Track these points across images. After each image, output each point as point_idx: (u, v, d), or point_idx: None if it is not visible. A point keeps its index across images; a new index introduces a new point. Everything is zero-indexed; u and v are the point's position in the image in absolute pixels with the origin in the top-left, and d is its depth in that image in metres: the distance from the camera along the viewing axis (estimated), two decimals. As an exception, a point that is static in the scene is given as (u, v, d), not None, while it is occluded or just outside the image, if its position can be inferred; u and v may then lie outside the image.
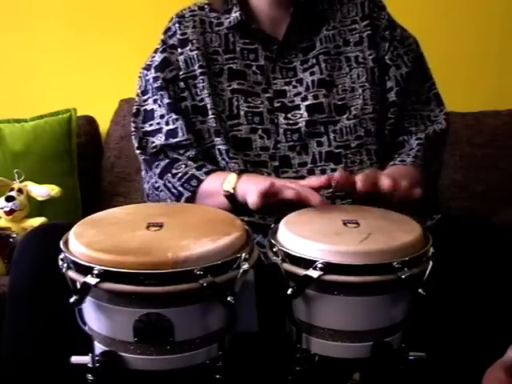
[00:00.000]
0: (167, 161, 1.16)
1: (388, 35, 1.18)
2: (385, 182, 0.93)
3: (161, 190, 1.16)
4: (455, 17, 1.98)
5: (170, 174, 1.14)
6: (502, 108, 1.90)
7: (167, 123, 1.16)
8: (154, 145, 1.18)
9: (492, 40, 1.99)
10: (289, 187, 0.94)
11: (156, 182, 1.17)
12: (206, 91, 1.15)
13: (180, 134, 1.15)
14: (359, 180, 0.92)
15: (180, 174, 1.13)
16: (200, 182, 1.10)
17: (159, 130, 1.17)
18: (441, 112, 1.21)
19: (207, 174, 1.11)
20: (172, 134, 1.15)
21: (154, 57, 1.21)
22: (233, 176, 1.05)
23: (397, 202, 0.96)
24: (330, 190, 1.08)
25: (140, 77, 1.22)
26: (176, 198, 1.13)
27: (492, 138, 1.85)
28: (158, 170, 1.17)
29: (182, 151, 1.15)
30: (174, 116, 1.15)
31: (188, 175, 1.12)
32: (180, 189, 1.12)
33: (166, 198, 1.15)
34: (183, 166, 1.14)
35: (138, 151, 1.20)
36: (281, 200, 0.94)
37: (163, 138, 1.16)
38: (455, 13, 1.98)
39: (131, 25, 2.01)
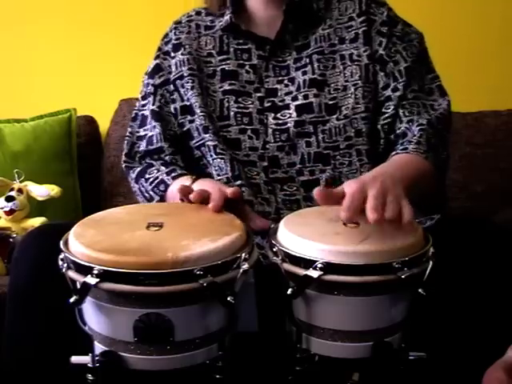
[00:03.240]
0: (142, 166, 1.20)
1: (386, 31, 1.16)
2: (370, 215, 0.81)
3: (137, 195, 1.20)
4: (455, 16, 1.98)
5: (143, 179, 1.18)
6: (502, 108, 1.90)
7: (151, 129, 1.20)
8: (140, 149, 1.22)
9: (492, 40, 1.99)
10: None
11: (133, 187, 1.21)
12: (194, 91, 1.16)
13: (155, 140, 1.18)
14: (344, 208, 0.83)
15: (151, 179, 1.16)
16: (167, 186, 1.12)
17: (145, 136, 1.21)
18: (444, 100, 1.17)
19: (174, 178, 1.12)
20: (150, 140, 1.19)
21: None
22: (188, 180, 1.07)
23: None
24: (324, 177, 1.10)
25: (143, 81, 1.24)
26: (148, 202, 1.16)
27: (492, 137, 1.85)
28: (134, 175, 1.21)
29: (162, 155, 1.19)
30: (154, 123, 1.19)
31: (158, 180, 1.14)
32: (151, 193, 1.15)
33: (141, 202, 1.19)
34: (155, 171, 1.17)
35: (124, 157, 1.24)
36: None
37: (144, 144, 1.21)
38: (455, 12, 1.98)
39: (131, 25, 2.02)
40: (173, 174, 1.13)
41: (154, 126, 1.19)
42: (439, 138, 1.14)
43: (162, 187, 1.13)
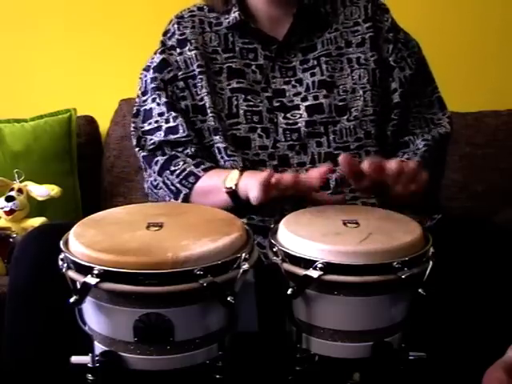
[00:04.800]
0: (166, 157, 1.16)
1: (392, 37, 1.18)
2: (392, 163, 0.93)
3: (160, 188, 1.16)
4: (455, 17, 1.98)
5: (168, 171, 1.14)
6: (502, 108, 1.90)
7: (167, 121, 1.16)
8: (152, 141, 1.18)
9: (492, 40, 1.99)
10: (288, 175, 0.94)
11: (155, 180, 1.17)
12: (204, 90, 1.15)
13: (181, 130, 1.15)
14: (366, 162, 0.93)
15: (178, 171, 1.13)
16: (198, 178, 1.10)
17: (158, 128, 1.17)
18: (444, 115, 1.22)
19: (205, 170, 1.10)
20: (172, 130, 1.15)
21: (153, 58, 1.21)
22: (235, 172, 1.03)
23: (402, 190, 0.96)
24: (334, 177, 1.10)
25: (140, 78, 1.22)
26: (174, 195, 1.12)
27: (492, 137, 1.86)
28: (157, 168, 1.16)
29: (180, 149, 1.15)
30: (174, 114, 1.15)
31: (186, 172, 1.12)
32: (178, 186, 1.12)
33: (165, 195, 1.15)
34: (181, 162, 1.14)
35: (136, 149, 1.20)
36: (282, 192, 0.93)
37: (162, 134, 1.16)
38: (455, 12, 1.98)
39: (131, 25, 2.02)
40: (202, 166, 1.11)
41: (175, 117, 1.15)
42: (440, 154, 1.20)
43: (191, 179, 1.10)
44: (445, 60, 1.81)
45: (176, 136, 1.15)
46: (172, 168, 1.14)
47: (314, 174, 0.95)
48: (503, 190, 1.81)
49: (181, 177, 1.12)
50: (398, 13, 1.23)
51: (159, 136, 1.16)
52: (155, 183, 1.17)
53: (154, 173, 1.17)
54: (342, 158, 0.95)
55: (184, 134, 1.14)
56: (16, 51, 2.05)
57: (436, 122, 1.21)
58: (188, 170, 1.12)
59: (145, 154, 1.19)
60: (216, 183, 1.05)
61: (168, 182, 1.14)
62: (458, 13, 1.98)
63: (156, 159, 1.17)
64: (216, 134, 1.13)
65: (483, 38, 1.98)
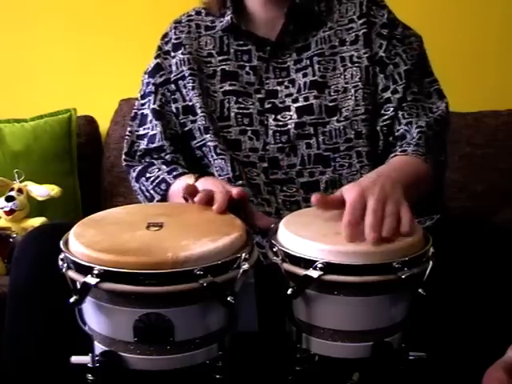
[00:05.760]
0: (143, 165, 1.20)
1: (386, 33, 1.17)
2: (368, 235, 0.80)
3: (137, 194, 1.21)
4: (455, 17, 1.98)
5: (144, 178, 1.18)
6: (502, 108, 1.90)
7: (152, 128, 1.20)
8: (139, 148, 1.22)
9: (492, 40, 1.99)
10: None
11: (133, 186, 1.22)
12: (195, 91, 1.16)
13: (157, 139, 1.18)
14: (345, 224, 0.81)
15: (152, 178, 1.16)
16: (168, 185, 1.12)
17: (146, 135, 1.21)
18: (442, 103, 1.18)
19: (176, 177, 1.13)
20: (152, 139, 1.19)
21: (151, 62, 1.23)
22: (191, 178, 1.07)
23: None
24: (324, 179, 1.10)
25: (142, 80, 1.24)
26: (149, 201, 1.16)
27: (492, 137, 1.85)
28: (134, 174, 1.21)
29: (156, 155, 1.19)
30: (155, 122, 1.19)
31: (159, 179, 1.14)
32: (152, 192, 1.15)
33: (142, 201, 1.19)
34: (156, 169, 1.17)
35: (124, 156, 1.24)
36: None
37: (146, 142, 1.21)
38: (455, 12, 1.98)
39: (131, 25, 2.02)
40: (174, 173, 1.13)
41: (156, 125, 1.19)
42: (438, 140, 1.14)
43: (163, 186, 1.13)
44: (444, 60, 1.81)
45: (154, 145, 1.19)
46: (147, 175, 1.17)
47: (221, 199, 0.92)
48: (503, 190, 1.81)
49: (154, 183, 1.15)
50: (397, 12, 1.22)
51: (144, 144, 1.21)
52: (134, 189, 1.22)
53: (132, 179, 1.22)
54: (313, 200, 0.86)
55: (159, 144, 1.18)
56: (16, 51, 2.05)
57: (434, 110, 1.17)
58: (161, 177, 1.14)
59: (128, 163, 1.23)
60: (177, 189, 1.07)
61: (143, 188, 1.18)
62: (458, 12, 1.98)
63: (134, 166, 1.22)
64: (207, 133, 1.14)
65: (483, 37, 1.98)
